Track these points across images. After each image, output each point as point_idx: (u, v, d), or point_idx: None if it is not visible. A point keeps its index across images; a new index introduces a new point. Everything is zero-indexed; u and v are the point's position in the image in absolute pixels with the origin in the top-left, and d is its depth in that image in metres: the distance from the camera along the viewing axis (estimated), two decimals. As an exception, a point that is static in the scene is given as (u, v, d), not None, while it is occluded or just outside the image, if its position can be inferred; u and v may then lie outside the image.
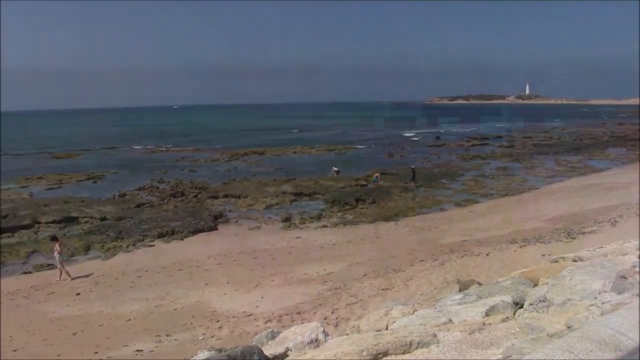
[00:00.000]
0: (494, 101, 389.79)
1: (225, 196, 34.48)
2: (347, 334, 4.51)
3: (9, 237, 26.23)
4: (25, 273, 20.81)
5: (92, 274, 19.92)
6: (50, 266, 21.34)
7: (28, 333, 14.23)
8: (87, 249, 23.83)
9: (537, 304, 3.77)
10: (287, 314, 13.97)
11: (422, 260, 18.29)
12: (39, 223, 28.34)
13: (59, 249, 20.01)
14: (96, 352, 12.54)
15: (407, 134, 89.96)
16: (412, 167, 40.12)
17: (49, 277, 19.93)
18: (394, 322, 4.53)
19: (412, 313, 4.65)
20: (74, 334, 13.96)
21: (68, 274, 19.66)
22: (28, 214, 29.81)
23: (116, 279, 19.03)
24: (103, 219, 29.01)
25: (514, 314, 3.85)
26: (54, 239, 21.55)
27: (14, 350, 13.07)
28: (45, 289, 18.38)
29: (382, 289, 15.13)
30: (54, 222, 28.45)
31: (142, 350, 12.38)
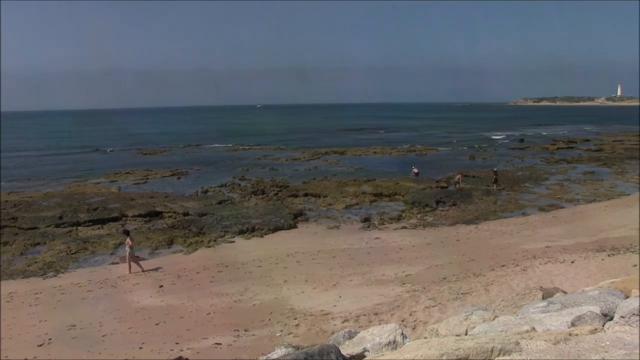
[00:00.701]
0: (581, 103, 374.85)
1: (305, 195, 34.67)
2: (425, 338, 4.33)
3: (99, 228, 27.45)
4: (113, 264, 21.67)
5: (173, 267, 20.45)
6: (137, 258, 22.11)
7: (115, 320, 14.76)
8: (170, 242, 24.51)
9: (629, 317, 3.43)
10: (364, 315, 13.80)
11: (503, 266, 17.67)
12: (126, 216, 29.47)
13: (130, 242, 20.71)
14: (177, 343, 12.80)
15: (490, 136, 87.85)
16: (495, 169, 38.98)
17: (135, 268, 20.60)
18: (474, 327, 4.31)
19: (493, 319, 4.41)
20: (157, 324, 14.34)
21: (140, 266, 20.32)
22: (116, 207, 31.10)
23: (197, 273, 19.43)
24: (186, 214, 29.80)
25: (603, 326, 3.52)
26: (125, 233, 22.37)
27: (103, 335, 13.61)
28: (130, 279, 19.04)
29: (462, 293, 14.69)
30: (139, 215, 29.50)
31: (220, 344, 12.53)
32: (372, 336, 4.09)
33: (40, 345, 13.16)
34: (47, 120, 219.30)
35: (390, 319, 12.85)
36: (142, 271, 20.07)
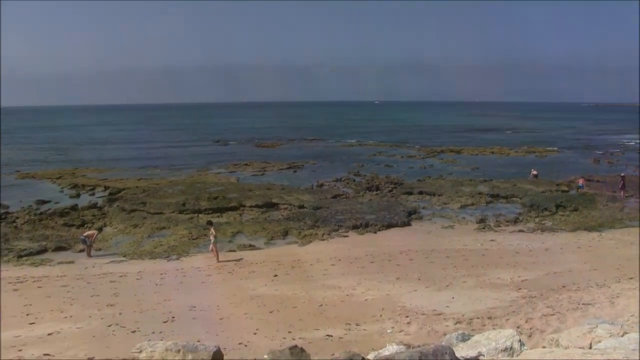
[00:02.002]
0: None
1: (420, 193, 34.31)
2: (543, 347, 4.16)
3: (218, 216, 28.71)
4: (230, 251, 22.56)
5: (287, 258, 20.94)
6: (252, 247, 22.96)
7: (232, 305, 15.38)
8: (285, 234, 25.12)
9: None
10: (477, 318, 13.46)
11: (630, 278, 16.55)
12: (244, 206, 30.57)
13: (213, 233, 21.50)
14: (289, 332, 13.12)
15: (619, 140, 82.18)
16: (622, 174, 36.54)
17: (250, 256, 21.37)
18: (600, 341, 4.08)
19: (622, 335, 4.15)
20: (271, 312, 14.76)
21: (217, 256, 21.01)
22: (235, 197, 32.34)
23: (311, 265, 19.80)
24: (301, 207, 30.42)
25: None
26: (209, 224, 23.20)
27: (220, 319, 14.24)
28: (246, 267, 19.74)
29: (583, 304, 13.93)
30: (256, 206, 30.48)
31: (332, 336, 12.70)
32: (487, 340, 4.00)
33: (165, 322, 14.00)
34: (173, 113, 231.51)
35: (505, 324, 12.44)
36: (217, 261, 20.73)
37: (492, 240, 23.33)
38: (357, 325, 13.44)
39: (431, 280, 17.29)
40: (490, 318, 13.36)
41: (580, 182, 35.75)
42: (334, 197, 33.46)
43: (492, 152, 61.41)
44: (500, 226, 26.42)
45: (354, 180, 40.30)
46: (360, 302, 15.44)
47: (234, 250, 22.61)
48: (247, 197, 32.37)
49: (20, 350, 12.15)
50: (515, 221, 27.45)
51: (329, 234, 24.94)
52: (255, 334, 13.00)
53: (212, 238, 21.42)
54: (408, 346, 5.17)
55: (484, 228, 25.84)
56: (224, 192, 34.27)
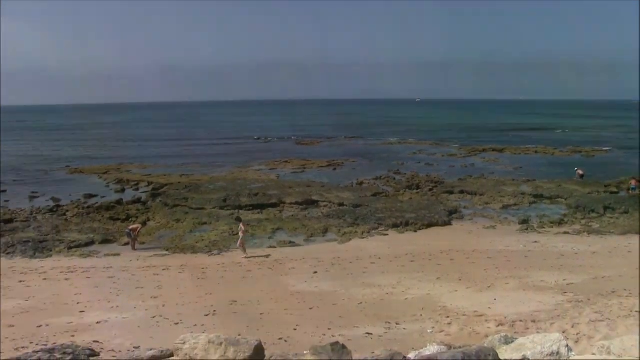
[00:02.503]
0: None
1: (461, 192, 33.95)
2: (593, 354, 4.06)
3: (259, 213, 28.99)
4: (270, 247, 22.77)
5: (327, 255, 20.99)
6: (292, 243, 23.10)
7: (272, 301, 15.55)
8: (325, 231, 25.19)
9: None
10: (520, 320, 13.25)
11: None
12: (284, 203, 30.78)
13: (243, 228, 21.91)
14: (329, 329, 13.18)
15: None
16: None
17: (289, 253, 21.50)
18: (658, 353, 3.94)
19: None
20: (310, 309, 14.85)
21: (244, 251, 21.35)
22: (275, 194, 32.60)
23: (351, 262, 19.81)
24: (341, 204, 30.45)
25: None
26: (238, 220, 23.84)
27: (261, 314, 14.42)
28: (286, 263, 19.87)
29: (636, 311, 13.54)
30: (296, 203, 30.64)
31: (371, 334, 12.70)
32: (532, 344, 3.95)
33: (207, 315, 14.27)
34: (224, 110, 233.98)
35: (549, 329, 12.22)
36: (244, 257, 21.00)
37: (535, 241, 22.93)
38: (397, 324, 13.42)
39: (472, 280, 17.11)
40: (534, 321, 13.14)
41: (633, 183, 34.49)
42: (374, 195, 33.38)
43: (536, 152, 60.11)
44: (544, 227, 25.92)
45: (394, 179, 40.14)
46: (400, 301, 15.40)
47: (274, 247, 22.81)
48: (287, 194, 32.58)
49: (72, 336, 12.61)
50: (560, 223, 26.88)
51: (368, 232, 24.92)
52: (295, 329, 13.12)
53: (240, 234, 21.77)
54: (449, 347, 5.14)
55: (527, 229, 25.40)
56: (265, 189, 34.56)
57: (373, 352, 10.20)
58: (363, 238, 24.12)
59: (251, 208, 29.71)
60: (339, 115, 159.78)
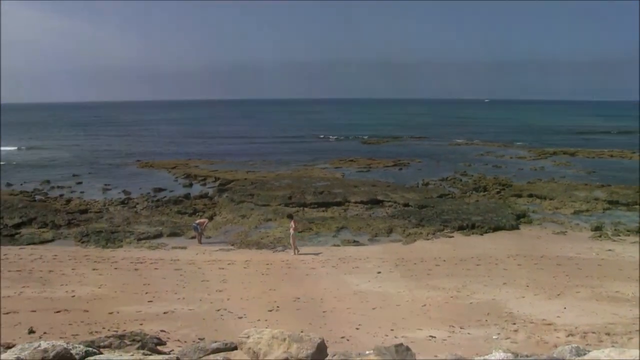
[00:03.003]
0: None
1: (530, 196, 32.96)
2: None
3: (323, 211, 29.09)
4: (334, 245, 22.80)
5: (391, 255, 20.84)
6: (356, 242, 23.07)
7: (335, 299, 15.58)
8: (390, 231, 25.01)
9: None
10: (593, 332, 12.76)
11: None
12: (349, 202, 30.76)
13: (294, 225, 21.96)
14: (392, 330, 13.09)
15: None
16: None
17: (353, 252, 21.47)
18: None
19: None
20: (373, 309, 14.79)
21: (296, 249, 21.44)
22: (340, 193, 32.61)
23: (414, 264, 19.60)
24: (406, 205, 30.17)
25: None
26: (289, 217, 23.91)
27: (324, 311, 14.47)
28: (350, 262, 19.84)
29: None
30: (361, 202, 30.57)
31: (435, 337, 12.53)
32: (608, 358, 3.75)
33: (270, 311, 14.44)
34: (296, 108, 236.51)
35: (627, 343, 11.70)
36: (295, 253, 21.23)
37: (609, 249, 21.98)
38: (461, 328, 13.19)
39: (540, 287, 16.60)
40: (608, 334, 12.61)
41: None
42: (440, 196, 32.92)
43: (611, 155, 57.49)
44: (619, 235, 24.75)
45: (461, 180, 39.43)
46: (465, 305, 15.12)
47: (338, 245, 22.83)
48: (352, 193, 32.54)
49: (141, 325, 13.05)
50: (638, 231, 25.64)
51: (433, 234, 24.58)
52: (357, 329, 13.10)
53: (292, 231, 21.89)
54: (516, 355, 4.98)
55: (600, 236, 24.35)
56: (330, 187, 34.66)
57: (436, 356, 10.05)
58: (428, 239, 23.81)
59: (316, 206, 29.85)
60: (406, 115, 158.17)
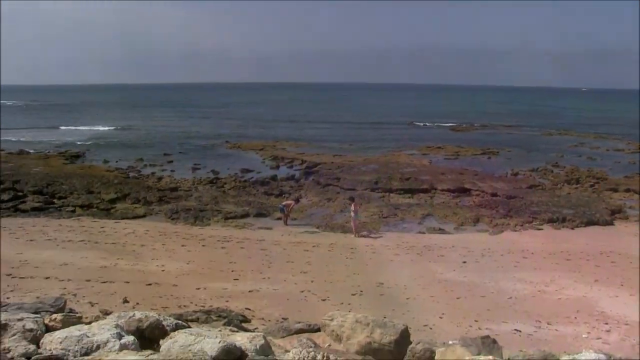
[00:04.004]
0: None
1: (627, 191, 31.30)
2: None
3: (409, 197, 28.96)
4: (419, 233, 22.67)
5: (477, 245, 20.47)
6: (442, 230, 22.83)
7: (419, 286, 15.54)
8: (476, 221, 24.55)
9: None
10: (693, 338, 12.09)
11: None
12: (435, 189, 30.38)
13: (353, 208, 22.19)
14: (476, 321, 12.94)
15: None
16: None
17: (438, 240, 21.27)
18: None
19: None
20: (458, 298, 14.65)
21: (357, 232, 21.82)
22: (426, 180, 32.26)
23: (501, 255, 19.18)
24: (494, 194, 29.46)
25: None
26: (351, 199, 24.01)
27: (407, 298, 14.51)
28: (435, 250, 19.65)
29: None
30: (448, 190, 30.11)
31: (520, 331, 12.29)
32: None
33: (354, 295, 14.61)
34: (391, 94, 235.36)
35: None
36: (355, 236, 21.63)
37: None
38: (548, 324, 12.84)
39: (637, 288, 15.83)
40: None
41: None
42: (530, 187, 31.91)
43: None
44: None
45: (552, 172, 38.02)
46: (553, 300, 14.69)
47: (423, 233, 22.66)
48: (439, 180, 32.12)
49: (226, 301, 13.53)
50: None
51: (521, 225, 23.91)
52: (441, 318, 13.04)
53: (352, 214, 22.13)
54: (609, 356, 4.84)
55: None
56: (416, 173, 34.34)
57: (521, 350, 9.86)
58: (516, 231, 23.20)
59: (402, 192, 29.70)
60: (497, 104, 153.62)
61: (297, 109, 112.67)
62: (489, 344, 6.02)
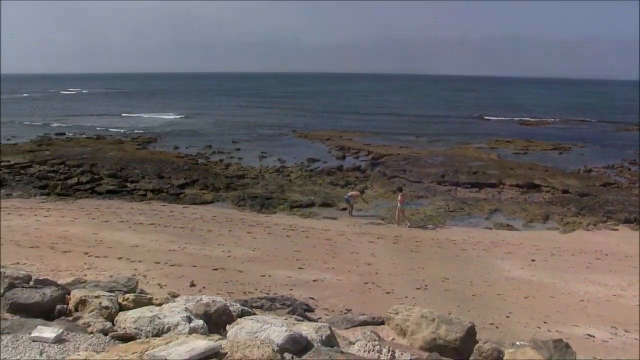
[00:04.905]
0: None
1: None
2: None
3: (476, 192, 28.36)
4: (486, 228, 22.15)
5: (547, 243, 19.81)
6: (510, 227, 22.23)
7: (485, 283, 15.16)
8: (546, 218, 23.79)
9: None
10: None
11: None
12: (503, 184, 29.61)
13: (400, 199, 22.17)
14: (545, 322, 12.49)
15: None
16: None
17: (506, 237, 20.72)
18: None
19: None
20: (526, 297, 14.19)
21: (402, 222, 22.02)
22: (494, 174, 31.53)
23: (572, 255, 18.49)
24: (565, 191, 28.50)
25: None
26: (399, 190, 23.87)
27: (473, 295, 14.15)
28: (502, 247, 19.16)
29: None
30: (517, 185, 29.29)
31: (594, 337, 11.74)
32: None
33: (418, 289, 14.39)
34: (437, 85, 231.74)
35: None
36: (397, 225, 21.97)
37: None
38: (625, 332, 12.18)
39: None
40: None
41: None
42: (604, 185, 30.63)
43: None
44: None
45: (629, 169, 36.35)
46: (630, 307, 13.96)
47: (490, 228, 22.13)
48: (507, 175, 31.30)
49: (291, 290, 13.59)
50: None
51: (594, 225, 22.97)
52: (508, 317, 12.65)
53: (398, 204, 22.20)
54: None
55: None
56: (484, 167, 33.61)
57: (595, 357, 9.45)
58: (588, 230, 22.32)
59: (469, 186, 29.13)
60: (566, 96, 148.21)
61: (362, 100, 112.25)
62: (561, 347, 5.76)
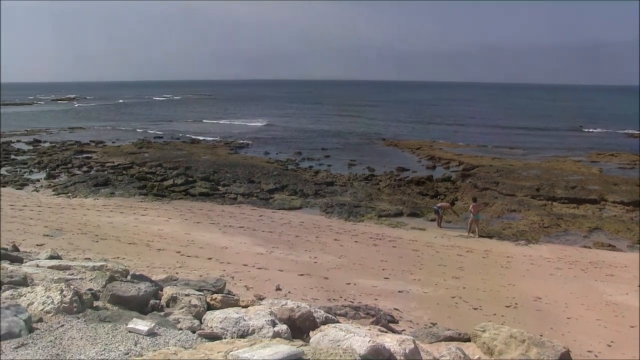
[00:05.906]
0: None
1: None
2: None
3: (574, 207, 26.81)
4: (584, 247, 20.84)
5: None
6: (612, 247, 20.79)
7: (582, 306, 14.14)
8: None
9: None
10: None
11: None
12: (605, 201, 27.82)
13: (472, 209, 21.76)
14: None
15: None
16: None
17: (607, 258, 19.37)
18: None
19: None
20: (632, 327, 12.94)
21: (474, 232, 21.84)
22: (595, 189, 29.75)
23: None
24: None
25: None
26: (473, 199, 23.44)
27: (568, 318, 13.21)
28: (603, 268, 17.88)
29: None
30: (621, 202, 27.35)
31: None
32: None
33: (508, 307, 13.69)
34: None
35: None
36: (467, 235, 21.73)
37: None
38: None
39: None
40: None
41: None
42: None
43: None
44: None
45: None
46: None
47: (589, 247, 20.80)
48: (610, 191, 29.40)
49: (375, 299, 13.33)
50: None
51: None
52: (609, 345, 11.68)
53: (471, 215, 21.87)
54: None
55: None
56: (583, 182, 31.80)
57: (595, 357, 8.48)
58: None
59: (566, 201, 27.58)
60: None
61: (449, 109, 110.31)
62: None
